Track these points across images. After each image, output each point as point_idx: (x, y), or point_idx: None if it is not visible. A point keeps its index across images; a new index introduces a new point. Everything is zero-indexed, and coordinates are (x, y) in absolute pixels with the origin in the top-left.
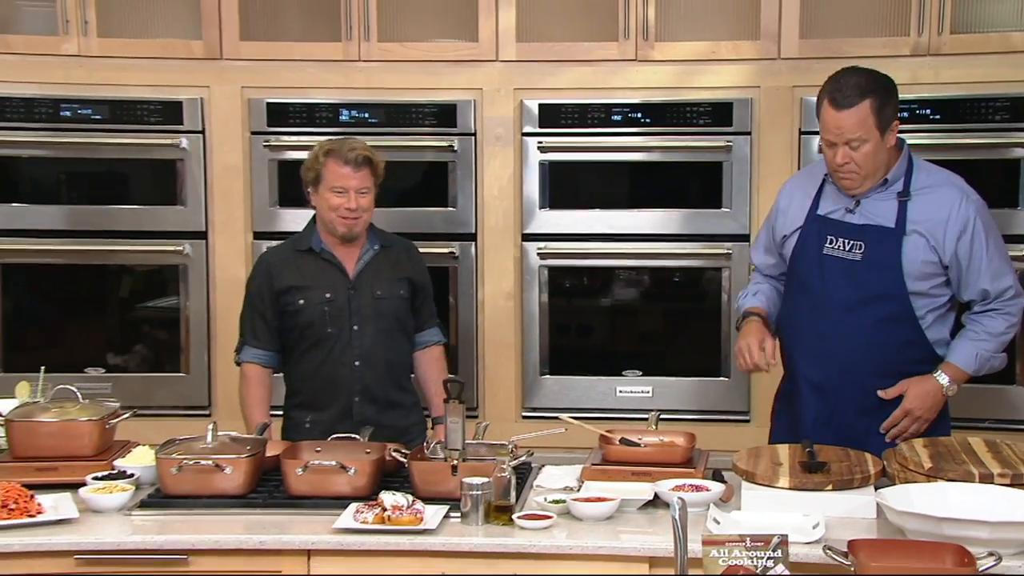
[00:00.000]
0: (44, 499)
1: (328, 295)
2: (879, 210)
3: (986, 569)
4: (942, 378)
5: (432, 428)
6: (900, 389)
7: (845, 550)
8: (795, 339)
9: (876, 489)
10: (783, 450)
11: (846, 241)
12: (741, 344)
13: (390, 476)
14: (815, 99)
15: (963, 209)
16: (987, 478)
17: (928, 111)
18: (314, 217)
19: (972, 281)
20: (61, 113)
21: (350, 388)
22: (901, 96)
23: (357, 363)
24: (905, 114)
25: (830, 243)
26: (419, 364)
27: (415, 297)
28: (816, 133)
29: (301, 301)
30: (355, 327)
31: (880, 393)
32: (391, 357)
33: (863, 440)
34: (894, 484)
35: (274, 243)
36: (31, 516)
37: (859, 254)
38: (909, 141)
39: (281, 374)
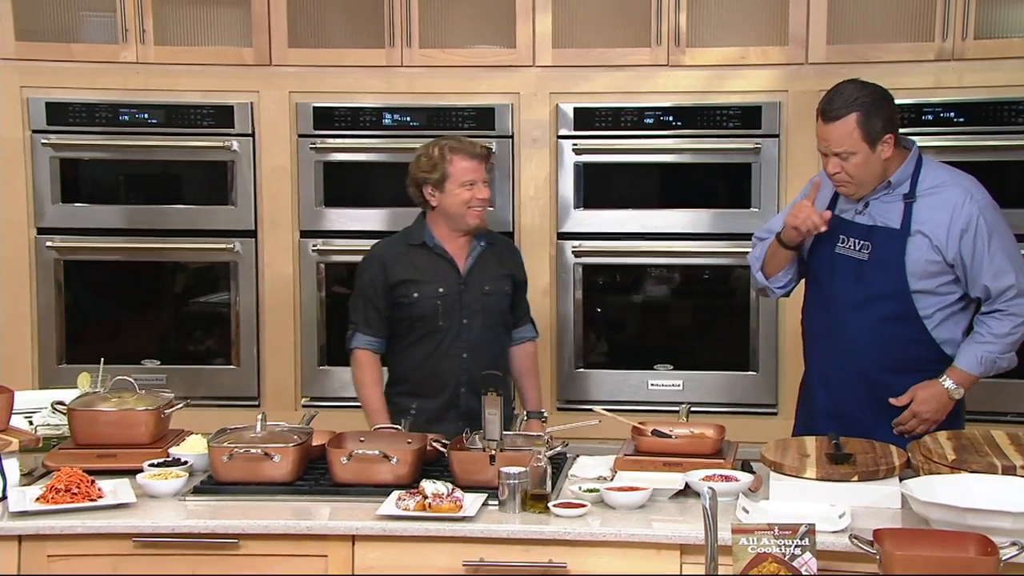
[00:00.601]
0: (104, 484)
1: (441, 289)
2: (886, 211)
3: (1009, 558)
4: (947, 382)
5: (527, 420)
6: (909, 395)
7: (871, 539)
8: (808, 334)
9: (901, 480)
10: (810, 442)
11: (856, 241)
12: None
13: (430, 465)
14: None
15: (966, 208)
16: (1009, 470)
17: (952, 114)
18: (423, 213)
19: (975, 279)
20: (120, 118)
21: (457, 379)
22: (926, 100)
23: (465, 355)
24: (930, 117)
25: (842, 242)
26: (514, 359)
27: (515, 293)
28: None
29: (416, 294)
30: (464, 320)
31: (892, 400)
32: (495, 351)
33: (869, 434)
34: (918, 475)
35: (319, 241)
36: (92, 500)
37: (866, 254)
38: (934, 144)
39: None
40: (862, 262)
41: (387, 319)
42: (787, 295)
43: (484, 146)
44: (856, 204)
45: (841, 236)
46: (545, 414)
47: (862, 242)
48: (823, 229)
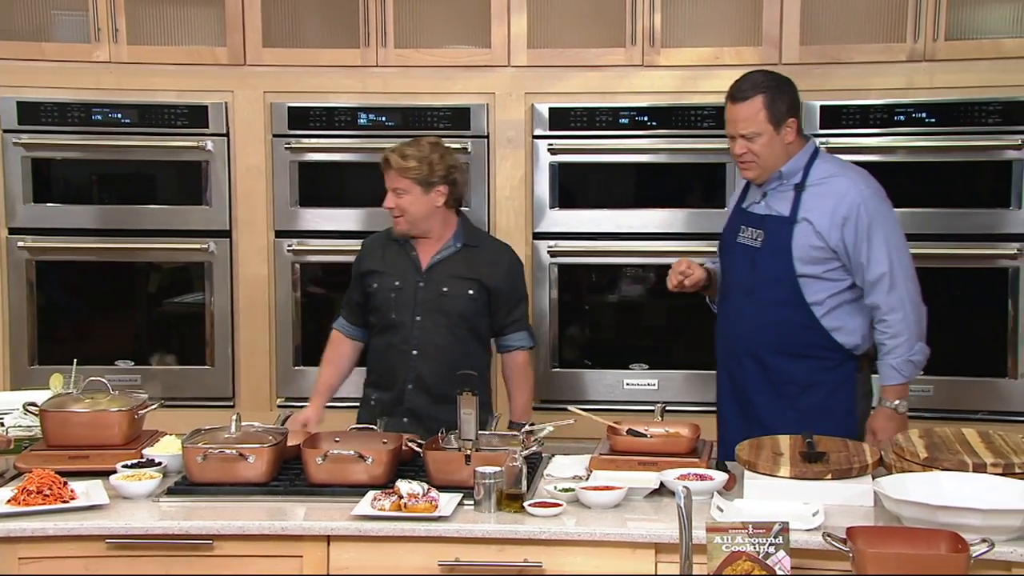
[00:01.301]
0: (76, 486)
1: (397, 283)
2: (779, 201)
3: (979, 555)
4: (886, 403)
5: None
6: (869, 434)
7: (844, 537)
8: (717, 319)
9: (873, 478)
10: (784, 440)
11: (753, 230)
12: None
13: (406, 465)
14: (814, 103)
15: (849, 198)
16: (980, 467)
17: (924, 115)
18: None
19: (855, 267)
20: (93, 117)
21: (405, 375)
22: (897, 100)
23: (415, 352)
24: (902, 117)
25: (742, 232)
26: (503, 367)
27: (491, 300)
28: (815, 136)
29: (375, 285)
30: (418, 317)
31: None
32: (456, 353)
33: (763, 416)
34: (891, 473)
35: (294, 241)
36: (64, 502)
37: (760, 242)
38: (906, 144)
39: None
40: (756, 249)
41: (360, 307)
42: None
43: (386, 156)
44: (758, 195)
45: (742, 227)
46: (526, 427)
47: (757, 231)
48: (687, 285)
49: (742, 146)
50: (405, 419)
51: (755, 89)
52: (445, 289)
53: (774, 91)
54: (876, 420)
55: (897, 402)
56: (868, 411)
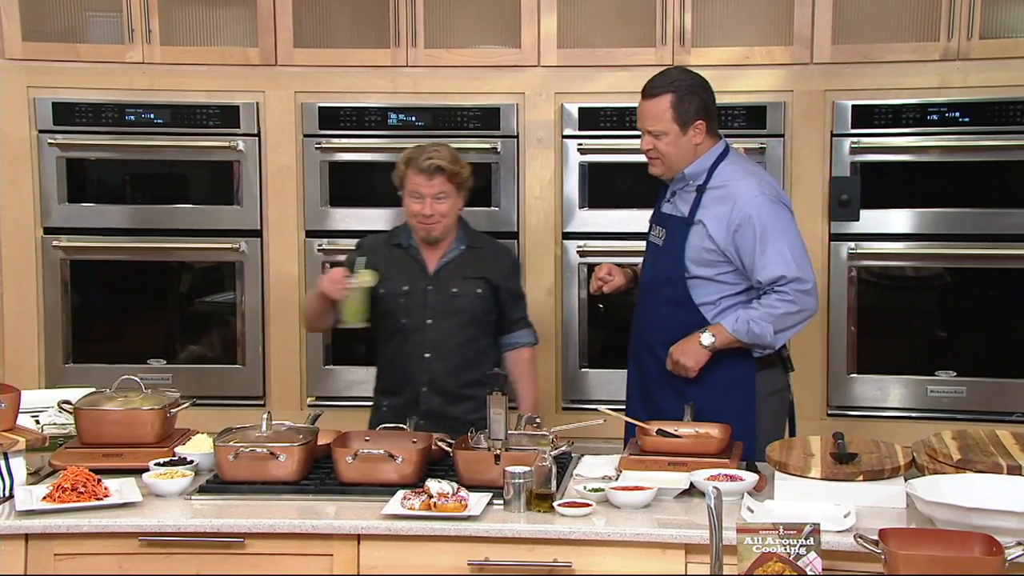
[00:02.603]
0: (110, 483)
1: (406, 288)
2: (683, 202)
3: (1014, 558)
4: (704, 331)
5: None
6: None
7: (876, 539)
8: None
9: (906, 480)
10: (815, 441)
11: (660, 229)
12: None
13: (435, 464)
14: (846, 102)
15: (743, 203)
16: (1015, 470)
17: (957, 114)
18: None
19: (749, 271)
20: (126, 118)
21: (418, 378)
22: (931, 100)
23: (427, 355)
24: (935, 117)
25: (653, 230)
26: (508, 365)
27: (498, 298)
28: (847, 135)
29: (382, 290)
30: (429, 320)
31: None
32: (469, 353)
33: (664, 410)
34: (923, 475)
35: (324, 241)
36: (98, 499)
37: (662, 241)
38: (939, 144)
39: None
40: (658, 247)
41: None
42: None
43: (437, 163)
44: (668, 194)
45: (653, 225)
46: (538, 419)
47: (662, 229)
48: (605, 291)
49: (648, 142)
50: (421, 421)
51: (665, 88)
52: (455, 290)
53: (684, 91)
54: (681, 340)
55: (706, 335)
56: (777, 411)
